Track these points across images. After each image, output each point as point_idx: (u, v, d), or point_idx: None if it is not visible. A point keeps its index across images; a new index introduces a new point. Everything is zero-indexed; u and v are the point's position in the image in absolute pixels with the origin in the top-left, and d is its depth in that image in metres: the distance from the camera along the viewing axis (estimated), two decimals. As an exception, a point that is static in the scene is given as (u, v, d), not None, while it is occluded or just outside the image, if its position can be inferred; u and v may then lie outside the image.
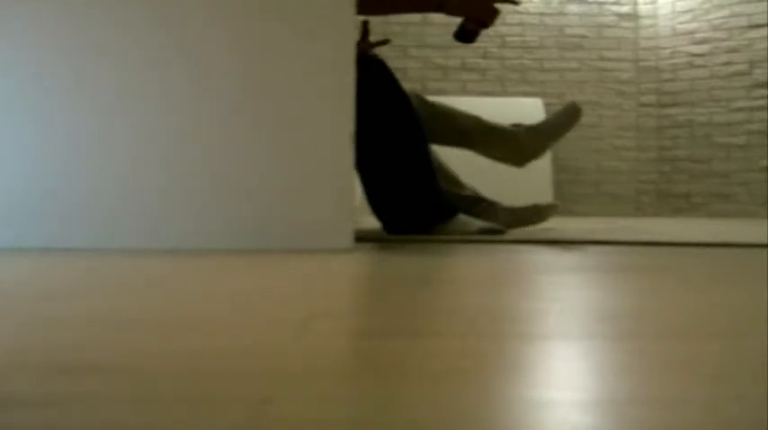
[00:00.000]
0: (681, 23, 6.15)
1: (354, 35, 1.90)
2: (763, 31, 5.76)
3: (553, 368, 0.54)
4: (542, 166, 5.75)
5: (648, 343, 0.64)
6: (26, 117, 1.83)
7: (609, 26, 6.34)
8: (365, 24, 2.63)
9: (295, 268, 1.32)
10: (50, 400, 0.44)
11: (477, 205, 2.66)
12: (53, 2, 1.84)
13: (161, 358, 0.57)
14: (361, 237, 2.21)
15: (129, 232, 1.83)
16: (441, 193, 2.42)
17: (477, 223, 2.41)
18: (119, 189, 1.84)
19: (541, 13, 6.31)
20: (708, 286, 1.07)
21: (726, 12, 5.91)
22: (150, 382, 0.49)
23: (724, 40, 5.93)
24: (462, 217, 2.43)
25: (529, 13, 6.31)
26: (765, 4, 5.77)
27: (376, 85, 2.38)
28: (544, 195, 5.74)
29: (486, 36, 6.26)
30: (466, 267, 1.35)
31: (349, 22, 1.88)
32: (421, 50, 6.25)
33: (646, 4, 6.32)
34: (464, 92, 6.27)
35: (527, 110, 5.86)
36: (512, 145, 2.68)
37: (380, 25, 6.12)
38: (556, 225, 3.43)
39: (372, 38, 5.97)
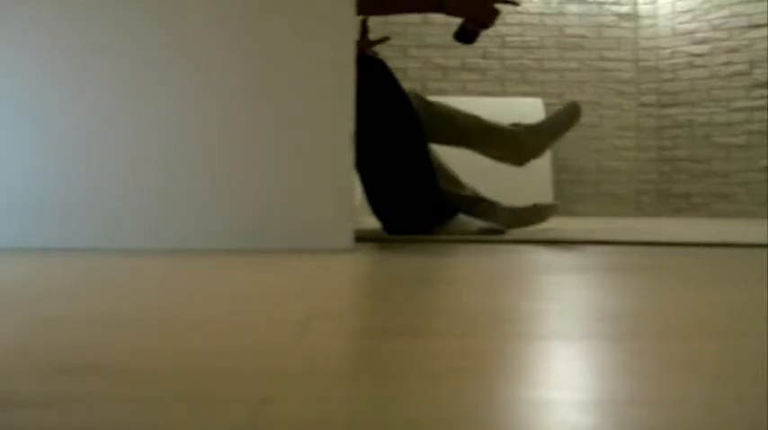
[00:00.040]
0: (681, 23, 6.15)
1: (354, 35, 1.90)
2: (763, 31, 5.76)
3: (553, 368, 0.54)
4: (542, 166, 5.75)
5: (648, 343, 0.64)
6: (26, 117, 1.83)
7: (609, 26, 6.34)
8: (363, 22, 2.63)
9: (295, 268, 1.32)
10: (50, 400, 0.44)
11: (477, 205, 2.66)
12: (53, 2, 1.84)
13: (161, 358, 0.57)
14: (361, 237, 2.21)
15: (129, 232, 1.83)
16: (441, 193, 2.42)
17: (477, 223, 2.41)
18: (119, 189, 1.84)
19: (541, 13, 6.31)
20: (708, 286, 1.07)
21: (726, 12, 5.91)
22: (150, 382, 0.49)
23: (724, 40, 5.93)
24: (462, 217, 2.43)
25: (529, 13, 6.31)
26: (765, 4, 5.77)
27: (376, 85, 2.38)
28: (544, 195, 5.74)
29: (486, 36, 6.26)
30: (466, 267, 1.35)
31: (349, 22, 1.88)
32: (421, 50, 6.25)
33: (646, 4, 6.32)
34: (464, 92, 6.27)
35: (527, 110, 5.86)
36: (511, 144, 2.68)
37: (380, 25, 6.12)
38: (556, 225, 3.43)
39: (372, 36, 5.97)
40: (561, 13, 6.32)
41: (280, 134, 1.86)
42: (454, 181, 2.71)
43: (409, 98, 2.47)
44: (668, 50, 6.21)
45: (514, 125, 2.71)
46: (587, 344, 0.63)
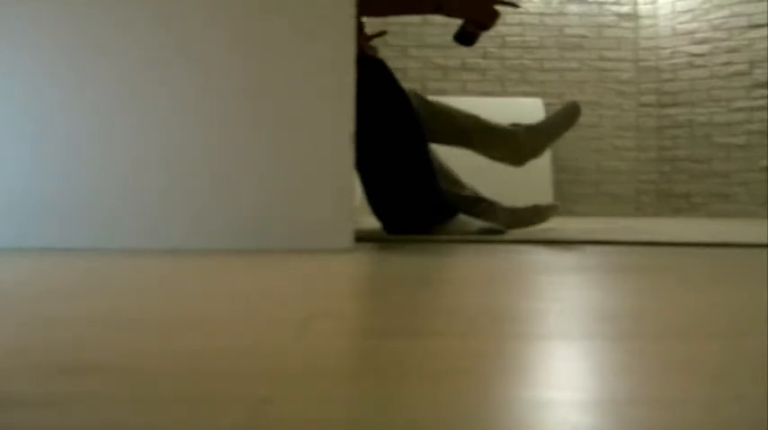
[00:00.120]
0: (681, 23, 6.15)
1: (354, 35, 1.90)
2: (763, 31, 5.76)
3: (553, 368, 0.54)
4: (542, 166, 5.75)
5: (648, 343, 0.64)
6: (26, 117, 1.83)
7: (609, 26, 6.34)
8: (359, 20, 2.63)
9: (295, 268, 1.32)
10: (50, 400, 0.44)
11: (477, 205, 2.66)
12: (53, 2, 1.84)
13: (161, 358, 0.57)
14: (361, 237, 2.21)
15: (129, 232, 1.83)
16: (441, 193, 2.42)
17: (477, 223, 2.41)
18: (119, 189, 1.84)
19: (541, 13, 6.31)
20: (708, 286, 1.07)
21: (726, 12, 5.91)
22: (150, 382, 0.49)
23: (724, 40, 5.93)
24: (462, 217, 2.43)
25: (529, 13, 6.31)
26: (765, 4, 5.77)
27: (376, 84, 2.38)
28: (544, 195, 5.73)
29: (487, 36, 6.25)
30: (466, 267, 1.35)
31: (349, 22, 1.88)
32: (421, 50, 6.25)
33: (646, 4, 6.32)
34: (464, 92, 6.27)
35: (527, 110, 5.86)
36: (511, 144, 2.68)
37: (380, 26, 6.11)
38: (556, 225, 3.43)
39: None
40: (561, 13, 6.32)
41: (280, 134, 1.86)
42: (454, 181, 2.71)
43: (409, 98, 2.47)
44: (668, 50, 6.21)
45: (514, 125, 2.71)
46: (587, 344, 0.63)
